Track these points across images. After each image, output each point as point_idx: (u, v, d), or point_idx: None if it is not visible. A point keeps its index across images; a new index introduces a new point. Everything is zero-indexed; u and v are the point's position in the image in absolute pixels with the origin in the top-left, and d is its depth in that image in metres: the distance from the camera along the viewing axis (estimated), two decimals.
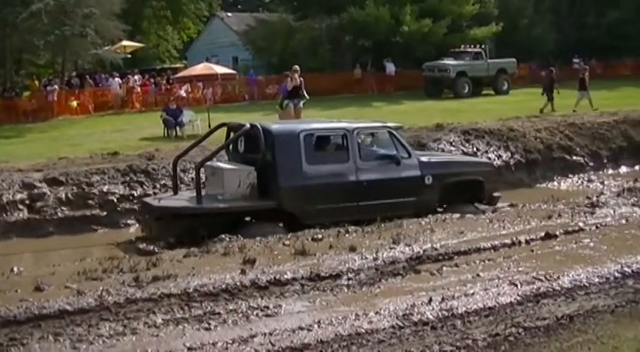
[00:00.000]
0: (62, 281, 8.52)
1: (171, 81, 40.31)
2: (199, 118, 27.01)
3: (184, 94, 37.89)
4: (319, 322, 7.36)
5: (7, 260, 12.60)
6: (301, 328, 7.23)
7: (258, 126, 13.81)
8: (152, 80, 42.61)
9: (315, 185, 13.53)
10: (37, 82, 41.34)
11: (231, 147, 14.78)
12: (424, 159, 14.79)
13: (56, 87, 37.93)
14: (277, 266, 9.00)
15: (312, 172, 13.53)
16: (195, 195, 13.48)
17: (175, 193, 14.55)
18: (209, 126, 26.00)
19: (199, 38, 60.74)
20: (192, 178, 15.37)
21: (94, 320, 7.36)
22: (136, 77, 42.39)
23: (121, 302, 7.74)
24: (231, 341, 6.91)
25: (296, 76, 23.11)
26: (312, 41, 45.43)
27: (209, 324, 7.34)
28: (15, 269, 9.89)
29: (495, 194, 15.18)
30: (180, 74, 36.93)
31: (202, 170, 13.76)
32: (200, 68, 33.44)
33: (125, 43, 43.44)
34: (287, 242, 10.42)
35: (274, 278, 8.52)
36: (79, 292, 7.95)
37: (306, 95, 23.26)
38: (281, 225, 12.95)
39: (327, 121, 15.96)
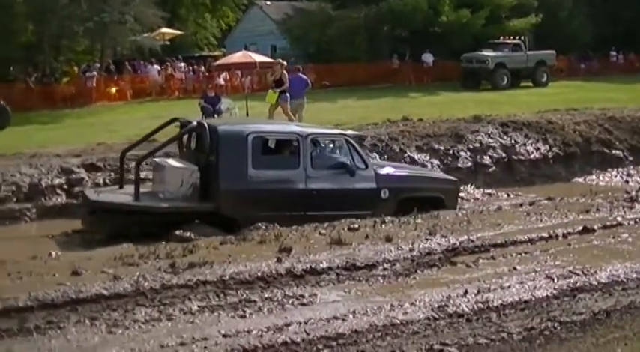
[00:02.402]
0: (99, 266, 8.60)
1: (209, 68, 40.45)
2: (237, 106, 27.06)
3: (223, 82, 38.03)
4: (354, 312, 7.34)
5: (45, 244, 12.70)
6: (336, 317, 7.22)
7: (205, 124, 13.34)
8: (190, 68, 42.78)
9: (259, 190, 12.91)
10: (75, 69, 41.62)
11: (184, 144, 14.33)
12: (382, 171, 14.09)
13: (95, 73, 38.21)
14: (313, 255, 9.00)
15: (257, 177, 12.95)
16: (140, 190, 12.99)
17: (121, 187, 14.02)
18: (247, 114, 26.13)
19: (238, 26, 60.71)
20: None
21: (130, 306, 7.40)
22: (181, 64, 42.58)
23: (157, 288, 7.78)
24: (265, 329, 6.91)
25: (278, 68, 22.37)
26: (349, 31, 45.27)
27: (244, 312, 7.34)
28: (53, 253, 10.03)
29: None
30: (218, 62, 37.03)
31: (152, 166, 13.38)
32: (238, 56, 33.51)
33: (164, 30, 43.51)
34: (323, 231, 10.41)
35: (310, 267, 8.52)
36: (115, 277, 8.01)
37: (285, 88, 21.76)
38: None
39: (284, 123, 15.38)
